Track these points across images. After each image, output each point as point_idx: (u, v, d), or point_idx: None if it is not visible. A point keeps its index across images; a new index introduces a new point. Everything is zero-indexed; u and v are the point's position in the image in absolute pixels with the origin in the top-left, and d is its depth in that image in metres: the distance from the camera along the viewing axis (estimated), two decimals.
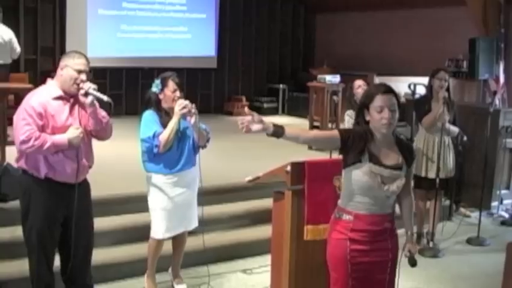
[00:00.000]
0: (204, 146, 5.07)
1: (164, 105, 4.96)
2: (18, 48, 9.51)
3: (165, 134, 4.80)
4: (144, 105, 5.05)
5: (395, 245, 3.68)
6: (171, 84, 4.94)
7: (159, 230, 5.02)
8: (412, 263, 3.69)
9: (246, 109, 3.46)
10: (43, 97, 4.22)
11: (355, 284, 3.59)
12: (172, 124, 4.81)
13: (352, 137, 3.54)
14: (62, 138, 4.16)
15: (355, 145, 3.52)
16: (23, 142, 4.10)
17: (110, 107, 4.32)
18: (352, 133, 3.58)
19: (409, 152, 3.67)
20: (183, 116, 4.86)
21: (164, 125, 4.85)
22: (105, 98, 4.25)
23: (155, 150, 4.82)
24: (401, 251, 3.73)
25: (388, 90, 3.54)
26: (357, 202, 3.57)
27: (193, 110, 4.82)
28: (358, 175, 3.52)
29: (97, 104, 4.32)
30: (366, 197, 3.54)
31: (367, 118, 3.56)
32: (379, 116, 3.48)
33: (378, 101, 3.49)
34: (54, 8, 11.91)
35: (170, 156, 4.91)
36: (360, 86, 6.00)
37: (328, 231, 3.73)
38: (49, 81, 4.41)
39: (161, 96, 4.95)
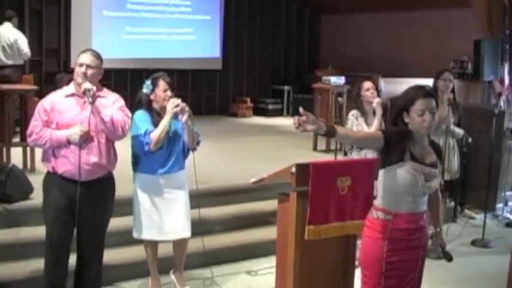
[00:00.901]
0: (194, 149, 5.06)
1: (155, 105, 4.98)
2: (25, 50, 9.67)
3: (157, 132, 4.81)
4: (134, 106, 5.04)
5: (426, 242, 3.82)
6: (162, 84, 4.95)
7: (138, 229, 5.03)
8: (449, 257, 3.93)
9: (301, 109, 3.45)
10: (56, 95, 4.50)
11: (387, 282, 3.66)
12: (164, 122, 4.82)
13: (395, 136, 3.63)
14: (60, 134, 4.35)
15: (397, 145, 3.61)
16: (28, 136, 4.46)
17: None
18: (393, 133, 3.68)
19: (439, 151, 3.87)
20: (175, 116, 4.86)
21: (156, 125, 4.85)
22: (90, 99, 4.31)
23: (146, 147, 4.82)
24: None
25: (429, 94, 3.64)
26: (398, 201, 3.64)
27: (186, 108, 4.83)
28: (402, 173, 3.60)
29: (107, 101, 4.51)
30: (407, 195, 3.63)
31: (406, 120, 3.65)
32: (420, 119, 3.59)
33: (420, 104, 3.59)
34: (59, 9, 11.94)
35: (159, 155, 4.92)
36: (368, 89, 5.96)
37: (363, 230, 3.79)
38: (72, 82, 4.58)
39: (152, 97, 4.98)
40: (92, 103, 4.33)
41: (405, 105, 3.65)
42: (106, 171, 4.59)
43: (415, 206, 3.66)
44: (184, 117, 4.83)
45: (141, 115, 4.93)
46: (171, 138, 4.96)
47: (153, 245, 5.14)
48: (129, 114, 4.65)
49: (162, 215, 5.02)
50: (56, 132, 4.35)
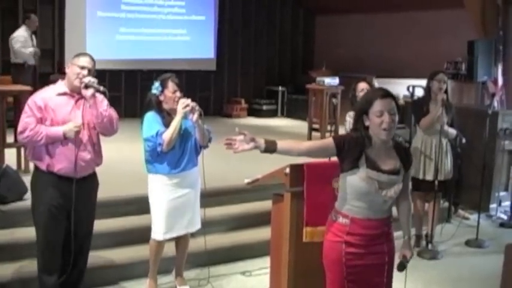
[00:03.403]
0: (206, 146, 5.10)
1: (165, 106, 4.98)
2: (14, 47, 10.18)
3: (169, 132, 4.83)
4: (145, 108, 5.07)
5: (392, 248, 3.68)
6: (171, 85, 4.97)
7: (159, 231, 5.04)
8: (401, 268, 3.67)
9: (237, 129, 3.44)
10: (47, 93, 4.51)
11: (350, 286, 3.60)
12: (175, 122, 4.84)
13: (348, 143, 3.54)
14: (57, 130, 4.38)
15: (351, 151, 3.52)
16: (20, 133, 4.42)
17: (106, 97, 4.58)
18: (347, 139, 3.58)
19: (406, 156, 3.66)
20: (186, 115, 4.89)
21: (167, 126, 4.88)
22: (101, 88, 4.47)
23: (159, 148, 4.84)
24: (398, 253, 3.73)
25: (387, 94, 3.53)
26: (354, 206, 3.56)
27: (196, 108, 4.86)
28: (355, 180, 3.52)
29: (101, 98, 4.53)
30: (363, 201, 3.54)
31: (367, 123, 3.54)
32: (379, 120, 3.47)
33: (377, 105, 3.48)
34: (53, 10, 11.91)
35: (173, 155, 4.94)
36: (363, 90, 5.96)
37: (325, 232, 3.73)
38: (59, 81, 4.65)
39: (161, 98, 4.98)
40: (97, 92, 4.45)
41: (364, 107, 3.55)
42: (95, 166, 4.71)
43: (372, 213, 3.55)
44: (195, 117, 4.86)
45: (152, 116, 4.94)
46: (183, 137, 4.99)
47: (162, 245, 5.16)
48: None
49: (181, 214, 5.06)
50: (52, 129, 4.38)
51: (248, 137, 3.41)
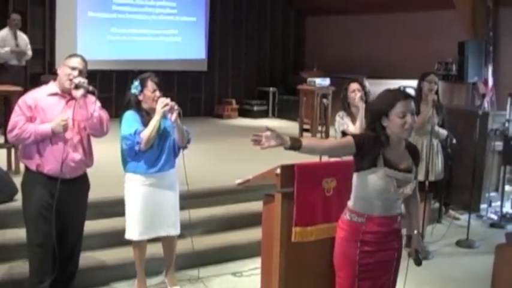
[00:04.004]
0: (184, 147, 5.10)
1: (144, 105, 4.99)
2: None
3: (147, 131, 4.83)
4: (124, 107, 5.06)
5: (401, 244, 3.79)
6: (150, 85, 4.97)
7: (134, 231, 5.03)
8: (418, 262, 3.83)
9: (267, 126, 3.52)
10: (37, 93, 4.51)
11: (361, 284, 3.67)
12: (154, 122, 4.85)
13: (367, 142, 3.60)
14: (45, 127, 4.38)
15: (370, 150, 3.59)
16: (9, 131, 4.42)
17: (94, 95, 4.55)
18: (366, 138, 3.64)
19: (416, 154, 3.81)
20: (165, 116, 4.90)
21: (145, 125, 4.88)
22: (90, 87, 4.47)
23: (136, 147, 4.84)
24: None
25: (408, 96, 3.64)
26: (371, 205, 3.63)
27: (175, 107, 4.87)
28: (374, 179, 3.59)
29: (93, 99, 4.51)
30: (380, 200, 3.62)
31: (385, 124, 3.60)
32: (401, 121, 3.55)
33: (401, 107, 3.56)
34: (43, 10, 11.87)
35: (150, 154, 4.94)
36: (354, 90, 5.95)
37: (337, 232, 3.79)
38: (51, 82, 4.65)
39: (141, 97, 4.98)
40: (88, 93, 4.44)
41: (385, 109, 3.60)
42: (86, 168, 4.71)
43: (387, 210, 3.65)
44: (174, 116, 4.86)
45: (131, 115, 4.93)
46: (161, 136, 4.98)
47: (142, 245, 5.14)
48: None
49: (154, 214, 5.03)
50: (40, 126, 4.38)
51: (274, 133, 3.48)
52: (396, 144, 3.65)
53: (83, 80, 4.44)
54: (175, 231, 5.20)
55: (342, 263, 3.73)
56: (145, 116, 4.95)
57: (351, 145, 3.59)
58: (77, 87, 4.42)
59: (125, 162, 5.03)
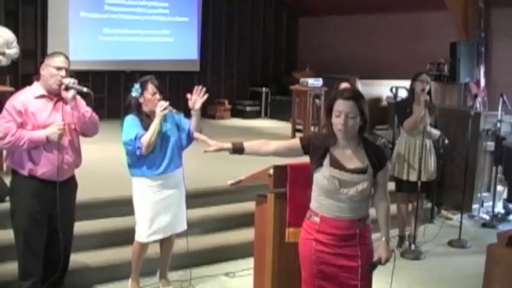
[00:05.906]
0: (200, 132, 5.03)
1: (145, 108, 4.97)
2: None
3: (147, 136, 4.82)
4: (124, 110, 5.06)
5: (366, 251, 3.63)
6: (151, 88, 4.96)
7: (143, 234, 5.02)
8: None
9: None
10: (25, 96, 4.39)
11: (323, 285, 3.62)
12: (154, 125, 4.84)
13: (313, 142, 3.60)
14: (39, 134, 4.29)
15: (316, 150, 3.57)
16: (1, 139, 4.27)
17: (90, 98, 4.50)
18: (312, 139, 3.64)
19: (377, 155, 3.61)
20: (164, 119, 4.92)
21: (146, 128, 4.87)
22: (84, 89, 4.40)
23: (138, 152, 4.83)
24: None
25: (350, 97, 3.51)
26: (322, 204, 3.60)
27: (174, 111, 4.92)
28: (319, 178, 3.57)
29: (79, 99, 4.47)
30: (330, 200, 3.56)
31: (331, 121, 3.56)
32: (336, 120, 3.50)
33: (338, 105, 3.50)
34: (35, 10, 11.82)
35: (153, 157, 4.93)
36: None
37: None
38: (34, 82, 4.53)
39: (141, 100, 4.97)
40: (78, 93, 4.39)
41: (328, 105, 3.58)
42: (75, 168, 4.69)
43: (339, 211, 3.55)
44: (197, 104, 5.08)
45: (131, 120, 4.92)
46: (163, 139, 4.98)
47: (146, 247, 5.14)
48: None
49: (166, 216, 5.04)
50: (34, 133, 4.29)
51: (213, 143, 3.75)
52: (346, 143, 3.55)
53: (73, 81, 4.37)
54: (182, 227, 5.22)
55: (301, 261, 3.71)
56: (146, 119, 4.94)
57: (296, 147, 3.64)
58: (67, 88, 4.34)
59: (129, 167, 5.03)
